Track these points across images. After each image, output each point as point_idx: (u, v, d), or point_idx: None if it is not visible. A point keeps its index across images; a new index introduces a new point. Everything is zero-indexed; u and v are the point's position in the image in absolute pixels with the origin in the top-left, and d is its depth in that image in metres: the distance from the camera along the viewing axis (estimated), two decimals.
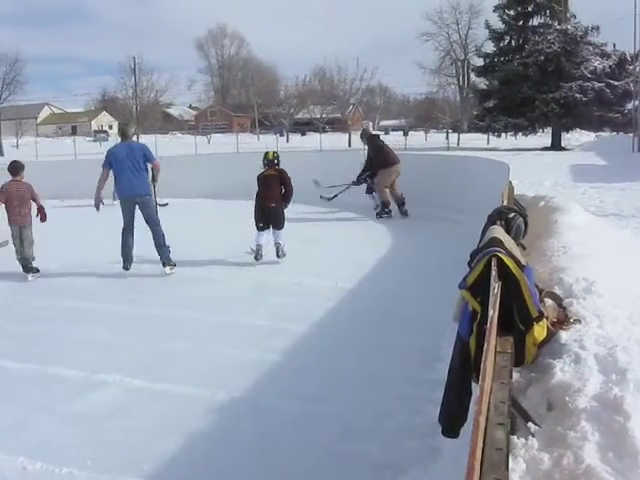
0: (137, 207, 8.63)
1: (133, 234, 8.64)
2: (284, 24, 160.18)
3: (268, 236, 9.23)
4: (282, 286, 7.61)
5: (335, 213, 13.76)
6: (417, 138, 51.79)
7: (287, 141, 59.43)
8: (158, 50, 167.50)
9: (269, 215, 9.30)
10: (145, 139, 56.51)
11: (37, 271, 8.57)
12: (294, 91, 73.97)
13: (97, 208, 8.81)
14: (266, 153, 10.10)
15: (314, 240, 10.67)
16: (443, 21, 66.74)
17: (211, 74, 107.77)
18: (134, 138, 10.14)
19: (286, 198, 9.59)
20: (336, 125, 63.15)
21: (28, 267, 8.52)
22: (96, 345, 5.78)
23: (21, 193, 8.64)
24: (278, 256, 9.12)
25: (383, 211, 13.23)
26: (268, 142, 45.72)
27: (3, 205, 8.56)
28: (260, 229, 9.19)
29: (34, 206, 8.83)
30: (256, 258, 8.99)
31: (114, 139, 21.89)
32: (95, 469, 3.72)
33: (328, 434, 4.04)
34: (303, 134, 68.34)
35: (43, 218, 8.83)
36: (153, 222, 8.65)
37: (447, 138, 43.60)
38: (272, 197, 9.42)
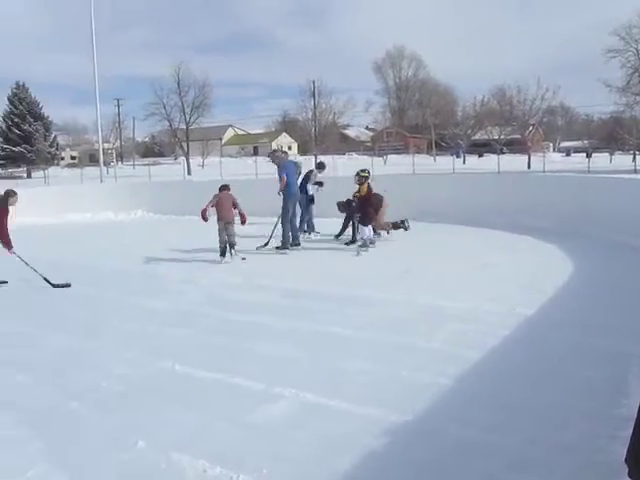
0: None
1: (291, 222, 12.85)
2: (462, 44, 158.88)
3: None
4: (457, 311, 7.49)
5: (507, 235, 13.47)
6: (601, 160, 49.54)
7: (464, 162, 58.84)
8: (337, 73, 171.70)
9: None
10: (323, 159, 58.00)
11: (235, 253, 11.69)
12: (472, 112, 73.17)
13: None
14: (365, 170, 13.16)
15: (488, 264, 10.47)
16: (632, 37, 63.12)
17: (388, 95, 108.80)
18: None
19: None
20: (515, 146, 61.59)
21: (232, 249, 11.66)
22: (276, 359, 5.99)
23: (228, 200, 11.76)
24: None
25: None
26: (444, 163, 45.46)
27: (213, 208, 11.75)
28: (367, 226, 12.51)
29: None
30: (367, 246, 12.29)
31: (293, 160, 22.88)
32: (270, 479, 3.85)
33: (499, 465, 3.93)
34: (480, 155, 67.26)
35: (243, 222, 11.91)
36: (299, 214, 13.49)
37: (634, 160, 41.43)
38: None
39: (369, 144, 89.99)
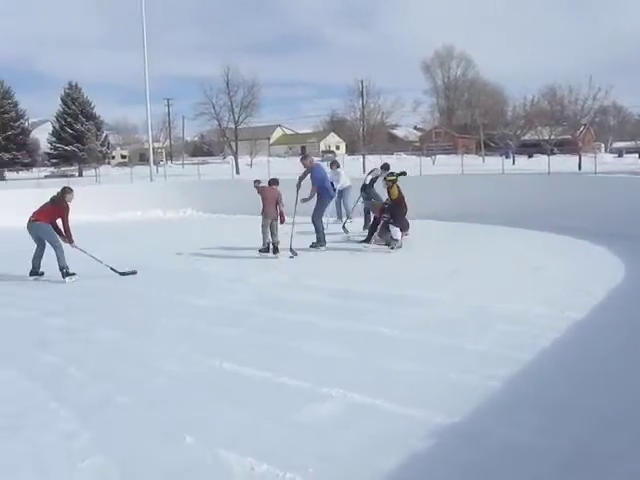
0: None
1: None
2: (512, 43, 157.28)
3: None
4: (506, 312, 7.41)
5: (556, 237, 13.32)
6: None
7: (513, 163, 58.10)
8: (385, 73, 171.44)
9: None
10: (371, 160, 57.94)
11: (277, 251, 12.02)
12: (521, 112, 72.27)
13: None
14: (391, 173, 13.40)
15: (537, 266, 10.33)
16: None
17: (437, 95, 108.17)
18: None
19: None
20: (565, 147, 60.60)
21: (276, 248, 11.99)
22: (323, 358, 6.00)
23: (274, 196, 12.16)
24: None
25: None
26: (493, 164, 45.01)
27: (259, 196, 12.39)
28: None
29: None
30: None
31: (341, 160, 22.94)
32: (317, 477, 3.86)
33: (547, 468, 3.89)
34: (530, 156, 66.33)
35: (282, 220, 12.26)
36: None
37: None
38: None
39: (417, 144, 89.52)
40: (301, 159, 13.53)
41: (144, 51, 30.94)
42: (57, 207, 10.40)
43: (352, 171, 20.81)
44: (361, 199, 15.45)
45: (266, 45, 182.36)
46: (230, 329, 7.18)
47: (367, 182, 14.95)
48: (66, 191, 10.52)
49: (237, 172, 56.95)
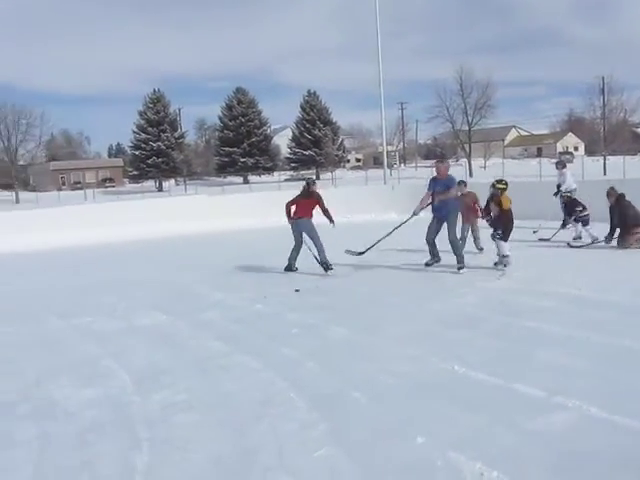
0: None
1: None
2: None
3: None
4: None
5: None
6: None
7: None
8: (628, 68, 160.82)
9: None
10: (612, 160, 54.72)
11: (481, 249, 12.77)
12: None
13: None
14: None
15: None
16: None
17: None
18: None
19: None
20: None
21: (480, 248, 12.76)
22: (557, 367, 5.78)
23: (468, 200, 12.81)
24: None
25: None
26: None
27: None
28: None
29: None
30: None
31: (579, 161, 21.68)
32: None
33: None
34: None
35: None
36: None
37: None
38: None
39: None
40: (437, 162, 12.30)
41: (379, 58, 31.53)
42: (310, 199, 11.66)
43: (593, 173, 19.64)
44: None
45: (499, 44, 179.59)
46: (462, 333, 7.14)
47: None
48: (310, 183, 11.89)
49: (470, 175, 56.30)
